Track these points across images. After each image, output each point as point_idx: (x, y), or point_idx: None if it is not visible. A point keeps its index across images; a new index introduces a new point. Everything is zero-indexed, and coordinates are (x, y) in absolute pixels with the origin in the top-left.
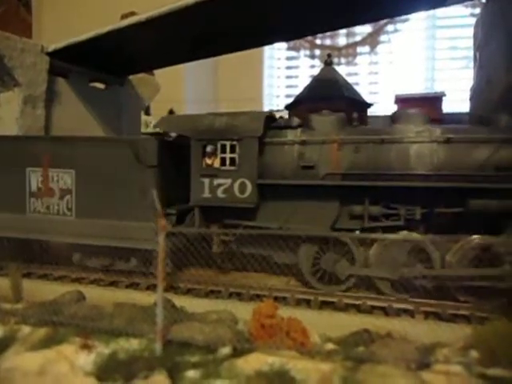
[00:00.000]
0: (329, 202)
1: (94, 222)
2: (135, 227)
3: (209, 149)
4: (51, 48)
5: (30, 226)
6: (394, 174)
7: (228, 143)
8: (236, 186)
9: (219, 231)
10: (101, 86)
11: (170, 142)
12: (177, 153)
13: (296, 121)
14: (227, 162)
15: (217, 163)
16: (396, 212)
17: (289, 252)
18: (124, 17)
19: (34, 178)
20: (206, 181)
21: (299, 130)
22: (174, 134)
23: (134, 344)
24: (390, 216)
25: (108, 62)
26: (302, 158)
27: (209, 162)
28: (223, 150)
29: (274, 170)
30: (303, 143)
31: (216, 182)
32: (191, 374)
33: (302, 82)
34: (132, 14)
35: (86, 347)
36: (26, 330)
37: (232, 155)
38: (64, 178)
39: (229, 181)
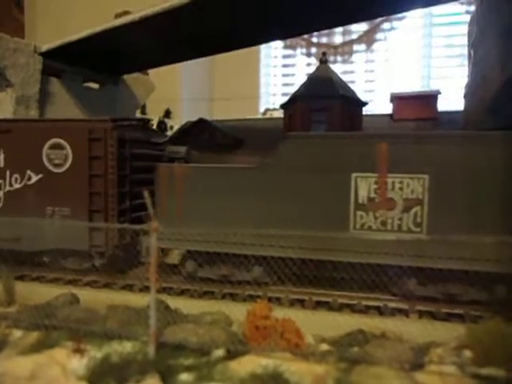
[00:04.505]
0: None
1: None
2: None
3: None
4: (44, 48)
5: (353, 245)
6: None
7: None
8: None
9: None
10: (95, 85)
11: None
12: None
13: None
14: None
15: None
16: None
17: None
18: (118, 16)
19: (364, 186)
20: None
21: None
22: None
23: (127, 347)
24: None
25: (102, 62)
26: None
27: None
28: None
29: None
30: None
31: None
32: (184, 377)
33: (299, 80)
34: (126, 13)
35: (78, 351)
36: (17, 333)
37: None
38: (411, 186)
39: None
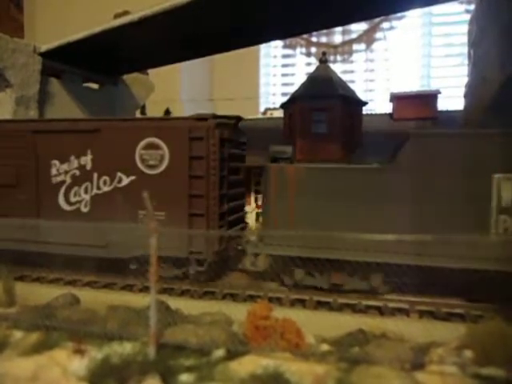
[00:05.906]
0: None
1: None
2: None
3: None
4: (44, 48)
5: (496, 252)
6: None
7: None
8: None
9: None
10: (94, 86)
11: None
12: None
13: None
14: None
15: None
16: None
17: None
18: (117, 16)
19: (509, 188)
20: None
21: None
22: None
23: (127, 348)
24: None
25: (101, 62)
26: None
27: None
28: None
29: None
30: None
31: None
32: (184, 377)
33: (299, 79)
34: (125, 13)
35: (78, 352)
36: (17, 334)
37: None
38: None
39: None
